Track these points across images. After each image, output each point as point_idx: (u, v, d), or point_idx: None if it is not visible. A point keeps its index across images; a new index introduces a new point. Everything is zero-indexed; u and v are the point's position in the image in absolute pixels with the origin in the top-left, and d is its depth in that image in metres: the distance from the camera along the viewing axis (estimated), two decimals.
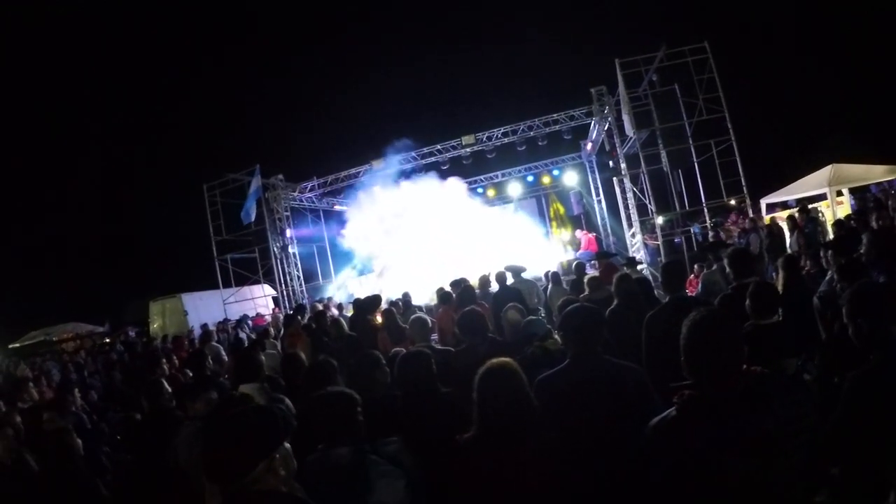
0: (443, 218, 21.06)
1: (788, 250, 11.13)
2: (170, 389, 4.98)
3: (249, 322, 15.74)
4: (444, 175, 20.57)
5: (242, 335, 12.98)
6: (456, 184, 20.22)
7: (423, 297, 12.31)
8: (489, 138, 18.36)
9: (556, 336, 4.19)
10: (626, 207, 17.31)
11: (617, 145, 16.64)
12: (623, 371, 3.17)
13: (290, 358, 5.30)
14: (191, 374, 6.96)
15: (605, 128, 17.41)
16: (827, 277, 5.00)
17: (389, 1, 35.21)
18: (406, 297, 10.03)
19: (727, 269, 5.16)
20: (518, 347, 4.34)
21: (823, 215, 14.52)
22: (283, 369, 5.34)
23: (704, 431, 2.09)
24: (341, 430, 2.80)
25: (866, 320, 2.54)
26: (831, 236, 10.71)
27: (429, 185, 20.66)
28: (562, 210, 24.91)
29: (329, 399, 2.89)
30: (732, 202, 16.24)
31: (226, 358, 9.37)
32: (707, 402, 2.12)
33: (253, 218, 17.80)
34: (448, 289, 9.01)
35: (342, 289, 20.23)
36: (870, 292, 2.65)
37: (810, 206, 14.55)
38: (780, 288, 5.56)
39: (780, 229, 12.80)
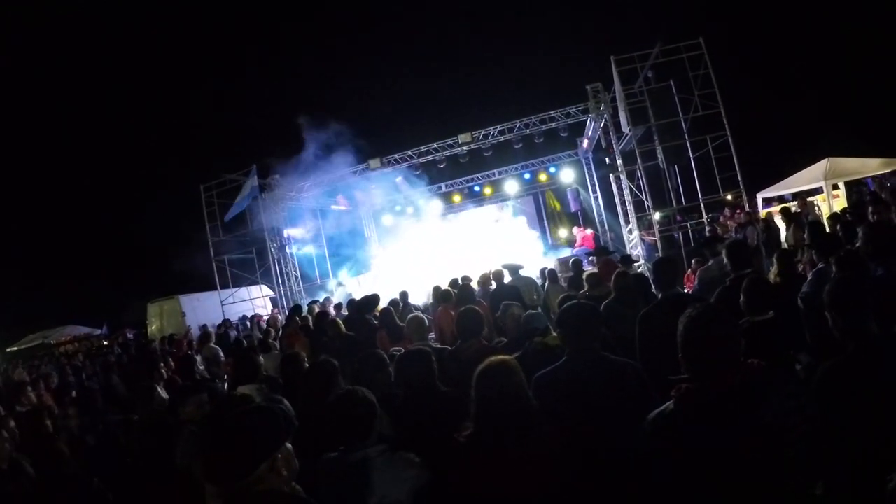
0: (438, 220, 21.18)
1: (784, 245, 11.13)
2: (164, 393, 4.98)
3: (248, 323, 15.80)
4: (441, 174, 20.63)
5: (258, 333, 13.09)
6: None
7: (420, 297, 12.30)
8: (486, 136, 18.33)
9: (555, 332, 4.20)
10: (623, 204, 17.33)
11: (613, 142, 16.66)
12: (621, 367, 3.17)
13: (289, 358, 5.28)
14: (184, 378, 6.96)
15: (602, 125, 17.42)
16: (810, 278, 5.00)
17: (385, 0, 35.15)
18: (404, 296, 10.03)
19: (725, 261, 5.18)
20: (507, 351, 4.33)
21: (819, 209, 14.54)
22: (282, 369, 5.33)
23: (702, 425, 2.11)
24: (362, 432, 2.79)
25: (839, 314, 2.56)
26: (828, 230, 10.70)
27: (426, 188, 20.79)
28: (559, 207, 24.96)
29: (351, 401, 2.86)
30: (729, 197, 16.26)
31: (223, 359, 9.37)
32: (705, 396, 2.14)
33: (230, 216, 17.83)
34: (444, 288, 9.02)
35: (340, 289, 20.23)
36: (845, 287, 2.66)
37: (808, 200, 14.57)
38: (773, 282, 5.57)
39: (776, 225, 12.80)
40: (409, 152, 18.98)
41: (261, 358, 5.52)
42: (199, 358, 8.87)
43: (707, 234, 14.62)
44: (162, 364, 8.16)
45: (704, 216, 15.96)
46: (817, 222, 8.88)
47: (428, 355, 3.64)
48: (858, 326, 2.49)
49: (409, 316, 5.90)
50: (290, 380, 4.90)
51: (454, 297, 8.06)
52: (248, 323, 16.73)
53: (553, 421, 2.74)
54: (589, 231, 20.47)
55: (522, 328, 4.85)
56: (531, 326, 4.68)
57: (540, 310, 7.93)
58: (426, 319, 5.91)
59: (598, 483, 2.70)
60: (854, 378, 2.37)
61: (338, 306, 13.48)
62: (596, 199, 22.66)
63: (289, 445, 2.11)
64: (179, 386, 6.41)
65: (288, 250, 19.22)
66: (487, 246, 19.73)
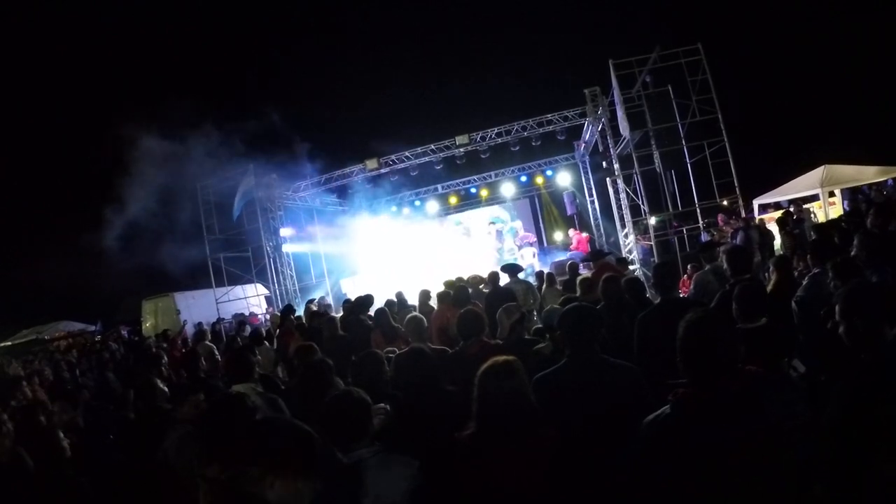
0: (434, 221, 21.26)
1: (778, 250, 11.16)
2: (165, 389, 4.96)
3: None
4: (437, 175, 20.69)
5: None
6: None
7: (414, 299, 12.28)
8: (483, 138, 18.36)
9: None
10: (620, 208, 17.36)
11: (610, 146, 16.69)
12: (620, 370, 3.18)
13: (302, 350, 5.38)
14: (185, 375, 6.93)
15: (599, 129, 17.46)
16: (805, 282, 5.02)
17: (385, 1, 35.17)
18: (400, 296, 10.03)
19: (725, 266, 5.21)
20: (509, 349, 4.34)
21: (815, 216, 14.59)
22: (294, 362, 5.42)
23: (699, 430, 2.12)
24: (357, 433, 2.80)
25: (861, 319, 2.54)
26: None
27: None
28: (555, 210, 24.99)
29: (347, 402, 2.85)
30: (725, 203, 16.30)
31: (219, 357, 9.35)
32: (702, 401, 2.14)
33: (236, 216, 17.85)
34: (432, 290, 9.06)
35: (335, 288, 20.23)
36: (865, 291, 2.66)
37: (804, 206, 14.61)
38: (771, 288, 5.59)
39: (769, 230, 12.85)
40: (407, 153, 19.00)
41: (258, 356, 5.52)
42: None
43: (703, 239, 14.65)
44: (161, 361, 8.13)
45: (700, 221, 15.99)
46: (822, 225, 8.91)
47: (428, 354, 3.66)
48: (877, 333, 2.48)
49: (409, 316, 5.90)
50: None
51: (451, 298, 8.04)
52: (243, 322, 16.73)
53: (552, 421, 2.75)
54: (584, 234, 20.53)
55: (542, 322, 4.89)
56: (550, 322, 4.71)
57: (535, 313, 7.97)
58: (424, 320, 5.93)
59: (596, 484, 2.71)
60: (876, 386, 2.34)
61: (327, 307, 13.49)
62: (592, 202, 22.69)
63: None
64: (178, 384, 6.39)
65: (283, 249, 19.24)
66: (482, 250, 19.88)
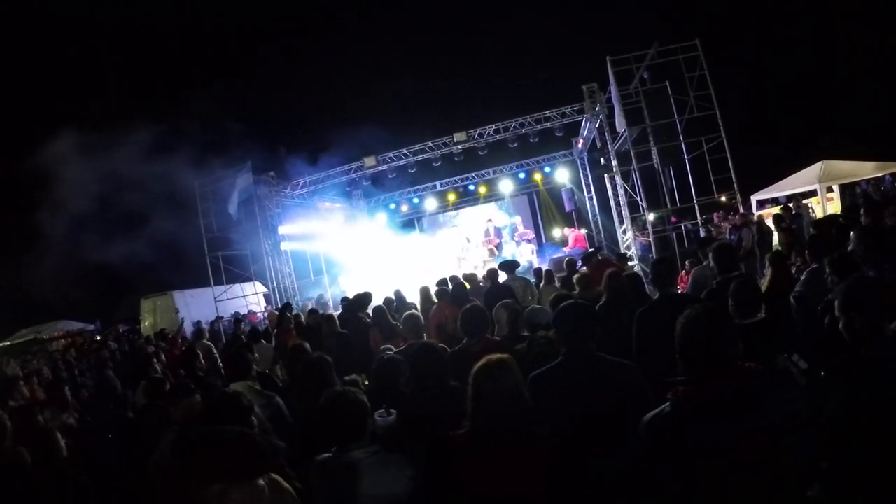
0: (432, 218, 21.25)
1: (777, 247, 11.16)
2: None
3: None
4: (436, 172, 20.68)
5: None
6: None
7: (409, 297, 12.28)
8: (481, 135, 18.34)
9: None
10: (618, 204, 17.35)
11: (608, 142, 16.68)
12: (617, 368, 3.16)
13: (295, 349, 5.33)
14: (183, 374, 6.93)
15: (597, 125, 17.44)
16: (803, 277, 5.01)
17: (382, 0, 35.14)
18: (399, 295, 10.02)
19: (713, 265, 5.19)
20: (511, 346, 4.33)
21: (813, 211, 14.60)
22: (290, 363, 5.37)
23: (700, 427, 2.11)
24: (354, 434, 2.80)
25: (860, 315, 2.54)
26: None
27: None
28: (553, 207, 24.98)
29: (341, 403, 2.86)
30: (723, 199, 16.32)
31: (217, 355, 9.35)
32: (702, 398, 2.13)
33: (233, 212, 17.77)
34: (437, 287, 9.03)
35: (333, 286, 20.21)
36: (864, 287, 2.65)
37: (803, 202, 14.61)
38: (767, 284, 5.58)
39: (769, 227, 12.85)
40: (405, 150, 18.97)
41: (255, 354, 5.53)
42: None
43: (702, 235, 14.64)
44: (154, 360, 8.13)
45: (699, 217, 16.01)
46: (821, 220, 8.90)
47: (437, 349, 3.66)
48: (876, 328, 2.47)
49: (406, 313, 5.88)
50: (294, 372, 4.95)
51: (449, 295, 8.03)
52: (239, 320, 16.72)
53: (547, 420, 2.74)
54: (582, 231, 20.54)
55: (528, 322, 4.86)
56: (534, 321, 4.68)
57: None
58: (422, 318, 5.92)
59: (592, 483, 2.70)
60: (877, 382, 2.33)
61: (324, 305, 13.48)
62: (590, 199, 22.67)
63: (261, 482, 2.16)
64: (171, 386, 6.38)
65: (282, 248, 19.21)
66: (479, 248, 19.87)
